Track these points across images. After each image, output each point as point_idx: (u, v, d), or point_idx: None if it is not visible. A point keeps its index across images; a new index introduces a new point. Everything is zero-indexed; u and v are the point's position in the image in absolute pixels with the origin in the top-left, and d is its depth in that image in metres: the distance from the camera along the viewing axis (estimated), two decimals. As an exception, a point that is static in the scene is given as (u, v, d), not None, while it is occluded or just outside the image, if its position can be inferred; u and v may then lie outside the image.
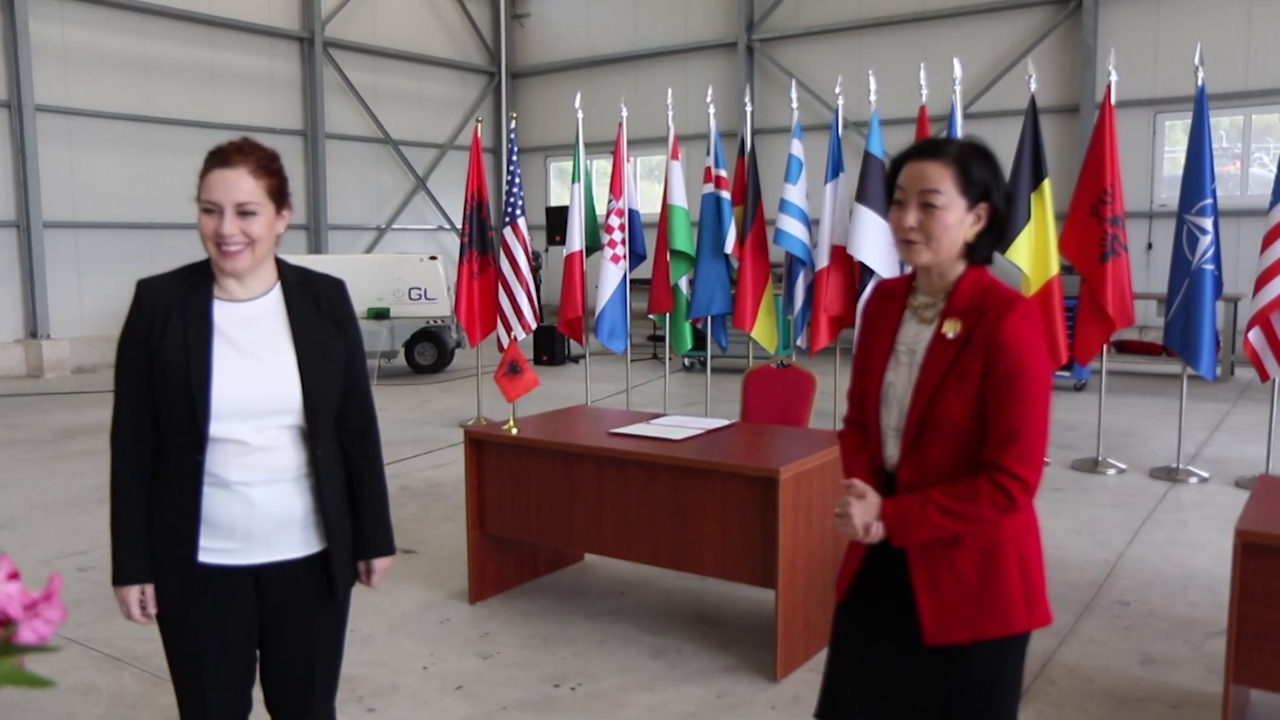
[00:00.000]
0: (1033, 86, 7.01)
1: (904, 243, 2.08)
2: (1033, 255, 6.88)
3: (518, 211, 8.41)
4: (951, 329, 2.04)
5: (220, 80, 14.48)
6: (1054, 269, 6.86)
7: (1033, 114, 6.93)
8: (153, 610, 2.19)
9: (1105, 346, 6.88)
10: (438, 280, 11.98)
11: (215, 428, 2.15)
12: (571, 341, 12.79)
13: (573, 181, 8.44)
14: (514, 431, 4.47)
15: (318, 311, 2.29)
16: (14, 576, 1.06)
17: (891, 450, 2.14)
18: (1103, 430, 7.17)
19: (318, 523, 2.28)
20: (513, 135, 8.76)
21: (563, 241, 9.75)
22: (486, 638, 4.27)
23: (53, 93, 12.66)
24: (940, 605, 2.08)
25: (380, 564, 2.43)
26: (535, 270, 8.64)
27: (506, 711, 3.61)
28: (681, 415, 5.23)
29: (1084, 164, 6.76)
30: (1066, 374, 9.93)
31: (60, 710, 3.63)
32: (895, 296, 2.21)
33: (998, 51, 13.49)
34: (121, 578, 2.19)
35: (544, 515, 4.41)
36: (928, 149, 2.08)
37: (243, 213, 2.14)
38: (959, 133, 7.02)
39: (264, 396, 2.17)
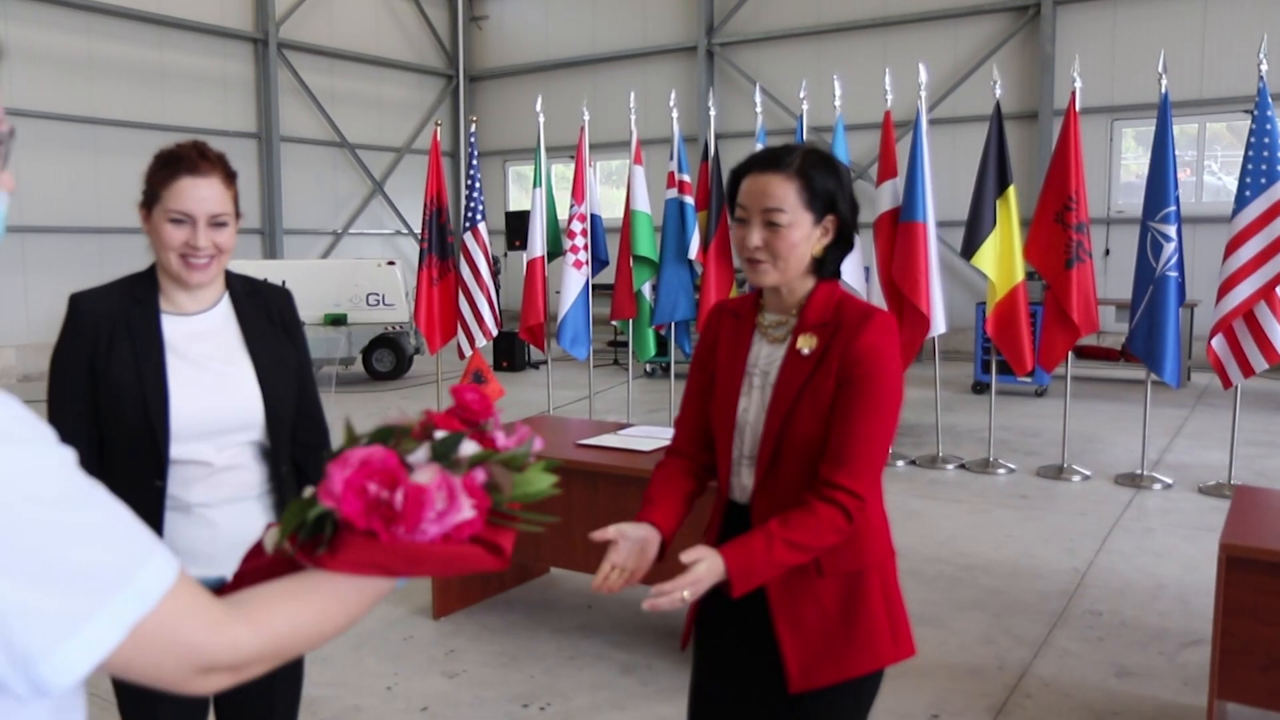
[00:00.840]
0: (998, 92, 7.02)
1: (749, 262, 1.95)
2: (998, 262, 6.89)
3: (478, 216, 8.28)
4: (806, 345, 1.92)
5: (171, 81, 14.16)
6: (1019, 275, 6.88)
7: (998, 120, 6.94)
8: None
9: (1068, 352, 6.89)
10: (396, 286, 11.79)
11: (176, 449, 2.03)
12: (531, 347, 12.68)
13: (534, 186, 8.33)
14: (479, 443, 4.35)
15: (269, 322, 2.20)
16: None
17: (746, 480, 2.00)
18: (1065, 437, 7.18)
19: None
20: (473, 139, 8.62)
21: (523, 246, 9.63)
22: (452, 655, 4.14)
23: (-4, 92, 12.30)
24: (805, 646, 1.93)
25: None
26: (495, 275, 8.51)
27: (474, 734, 3.49)
28: (647, 425, 5.13)
29: (1048, 170, 6.77)
30: (1028, 380, 9.98)
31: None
32: (742, 317, 2.06)
33: (957, 58, 13.57)
34: None
35: (510, 529, 4.29)
36: (768, 161, 1.94)
37: (215, 224, 2.04)
38: (924, 139, 7.02)
39: (225, 413, 2.07)
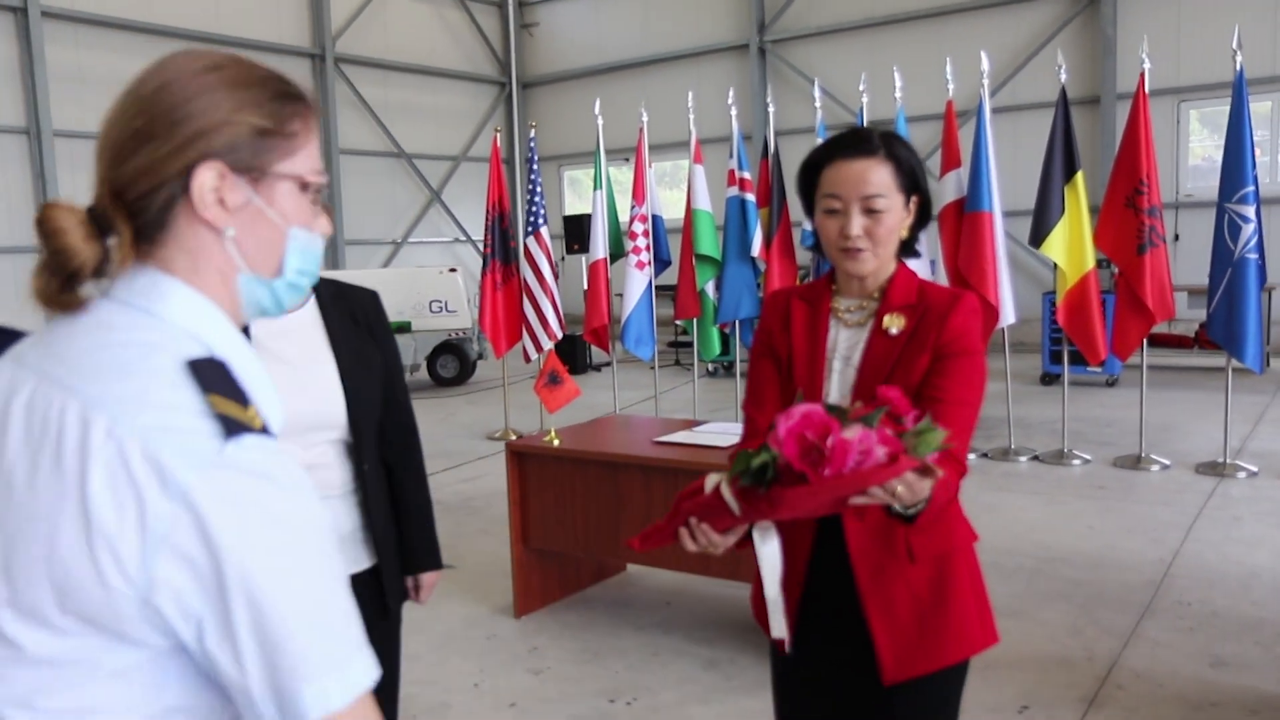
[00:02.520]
0: (1062, 77, 6.91)
1: (846, 252, 1.91)
2: (1068, 249, 6.78)
3: (540, 220, 8.34)
4: (894, 325, 1.92)
5: (234, 99, 14.45)
6: (1090, 262, 6.76)
7: (1064, 105, 6.83)
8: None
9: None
10: (458, 292, 11.91)
11: None
12: (592, 350, 12.73)
13: (595, 188, 8.36)
14: (556, 443, 4.39)
15: (354, 323, 2.25)
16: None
17: None
18: (1142, 425, 7.04)
19: (366, 539, 2.22)
20: (532, 144, 8.69)
21: (581, 250, 9.67)
22: (535, 653, 4.18)
23: (68, 118, 12.66)
24: (898, 634, 1.90)
25: (428, 579, 2.39)
26: (556, 279, 8.56)
27: (563, 730, 3.52)
28: (719, 422, 5.13)
29: (1118, 154, 6.64)
30: (1098, 370, 9.80)
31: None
32: (815, 303, 2.03)
33: (1016, 45, 13.37)
34: None
35: (590, 527, 4.32)
36: (853, 146, 1.89)
37: None
38: (988, 127, 6.93)
39: (309, 411, 2.11)
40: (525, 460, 4.51)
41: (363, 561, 2.21)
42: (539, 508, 4.48)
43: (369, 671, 0.94)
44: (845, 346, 1.98)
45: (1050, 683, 3.72)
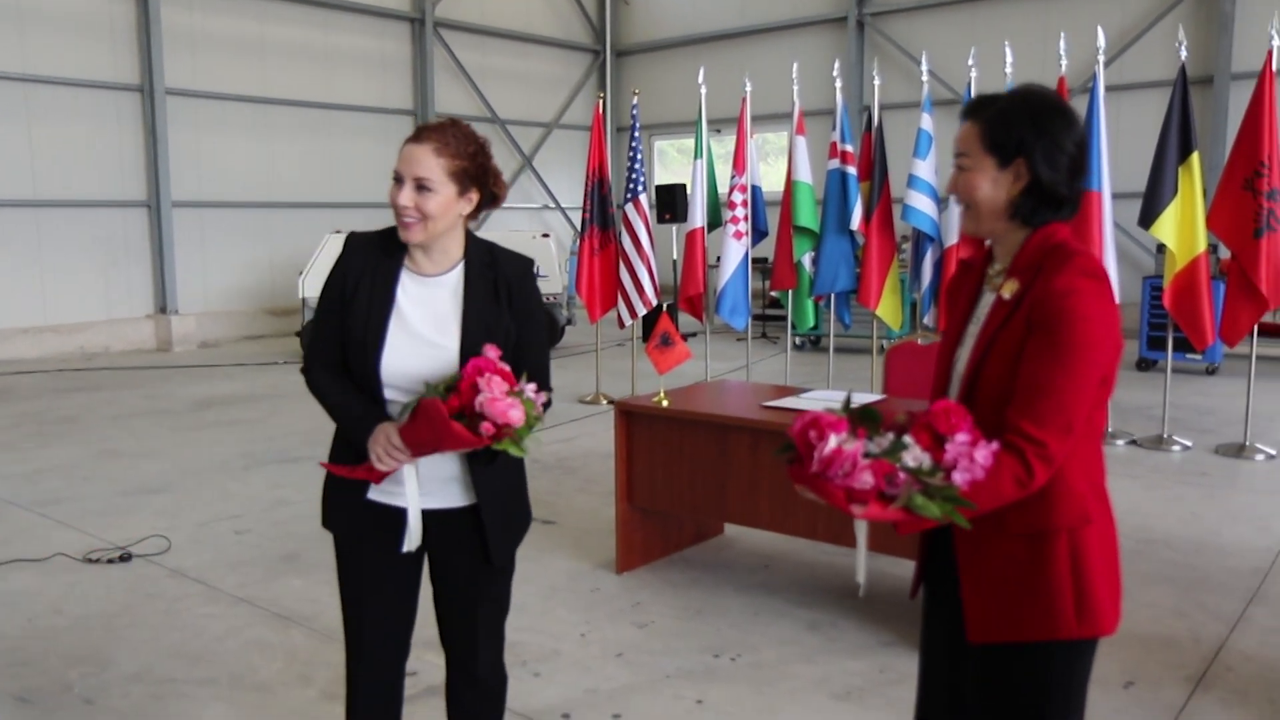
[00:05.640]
0: (1182, 54, 6.75)
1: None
2: (1179, 231, 6.65)
3: (639, 188, 8.42)
4: (1009, 289, 1.90)
5: (335, 62, 14.77)
6: (1201, 245, 6.62)
7: (1182, 83, 6.67)
8: (398, 442, 2.17)
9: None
10: (550, 258, 12.07)
11: (386, 392, 2.28)
12: (683, 318, 12.79)
13: (695, 157, 8.41)
14: (665, 404, 4.49)
15: (494, 295, 2.32)
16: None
17: None
18: (1248, 413, 6.89)
19: (466, 481, 2.34)
20: (635, 111, 8.76)
21: (673, 219, 9.74)
22: (639, 607, 4.30)
23: (181, 76, 13.07)
24: (983, 599, 1.94)
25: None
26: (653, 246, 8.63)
27: (670, 680, 3.63)
28: (821, 390, 5.18)
29: (1238, 134, 6.48)
30: (1198, 357, 9.59)
31: (241, 664, 3.78)
32: (973, 270, 2.08)
33: (1124, 23, 13.01)
34: (367, 430, 2.22)
35: (695, 487, 4.42)
36: (968, 108, 1.98)
37: (421, 187, 2.20)
38: (1101, 104, 6.81)
39: (423, 376, 2.23)
40: (633, 420, 4.61)
41: (459, 499, 2.34)
42: (645, 467, 4.58)
43: None
44: (981, 310, 2.00)
45: (1155, 661, 3.73)
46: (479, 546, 2.36)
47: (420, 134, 2.24)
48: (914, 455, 1.66)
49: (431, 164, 2.20)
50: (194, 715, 3.41)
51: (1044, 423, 1.77)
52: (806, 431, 1.69)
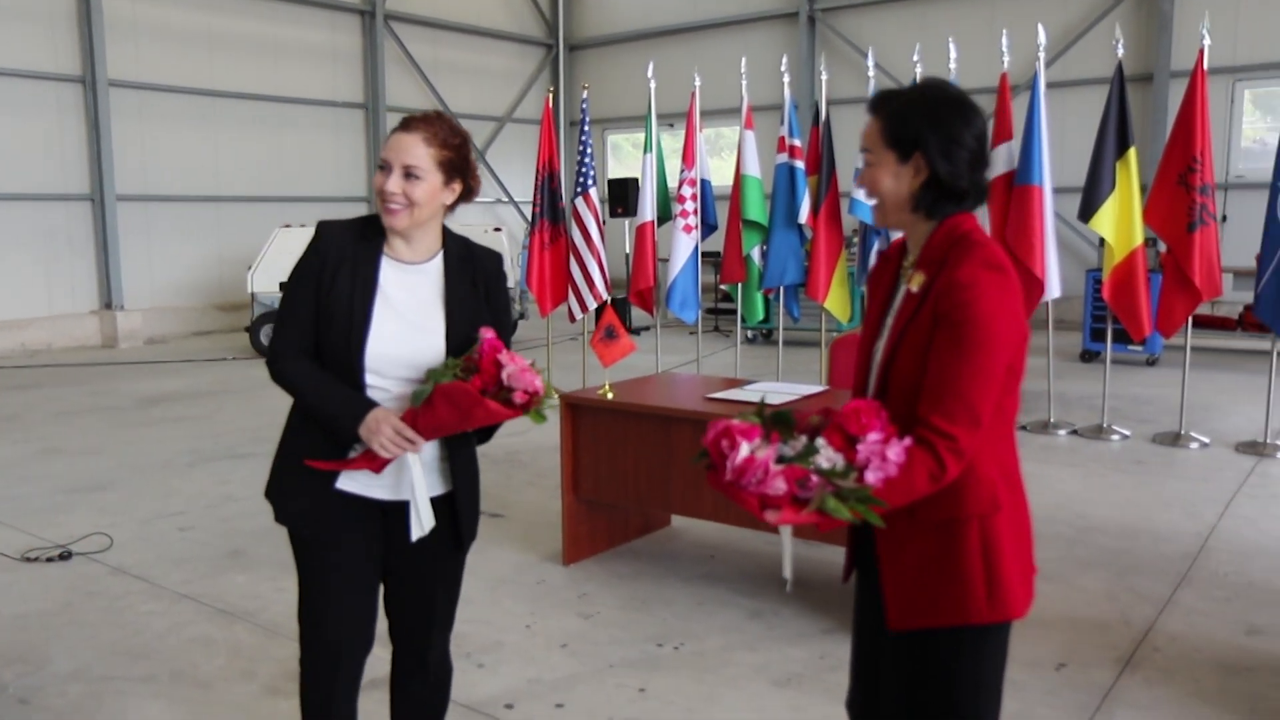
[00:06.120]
0: (1119, 52, 6.89)
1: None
2: (1117, 225, 6.80)
3: (589, 182, 8.43)
4: (917, 283, 1.92)
5: (284, 54, 14.60)
6: (1138, 239, 6.77)
7: (1119, 80, 6.82)
8: (406, 429, 2.19)
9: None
10: (503, 252, 12.04)
11: (368, 378, 2.27)
12: (633, 313, 12.82)
13: (645, 151, 8.43)
14: (610, 396, 4.52)
15: (473, 286, 2.37)
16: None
17: None
18: (1184, 403, 7.06)
19: (444, 469, 2.38)
20: (584, 105, 8.76)
21: (624, 214, 9.75)
22: (585, 598, 4.33)
23: (124, 68, 12.84)
24: (900, 588, 1.97)
25: None
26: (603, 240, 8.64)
27: (614, 669, 3.67)
28: (767, 381, 5.23)
29: (1172, 131, 6.63)
30: (1138, 349, 9.80)
31: (183, 660, 3.75)
32: (890, 261, 2.09)
33: (1068, 21, 13.24)
34: (357, 419, 2.21)
35: (641, 479, 4.45)
36: (870, 103, 2.00)
37: (408, 175, 2.23)
38: (1042, 100, 6.93)
39: (409, 360, 2.26)
40: (579, 412, 4.64)
41: (439, 488, 2.38)
42: (591, 459, 4.61)
43: None
44: (897, 303, 2.03)
45: (1087, 643, 3.83)
46: (450, 532, 2.39)
47: (409, 123, 2.28)
48: (827, 457, 1.69)
49: (420, 152, 2.24)
50: (133, 712, 3.39)
51: (953, 417, 1.80)
52: (719, 441, 1.71)
